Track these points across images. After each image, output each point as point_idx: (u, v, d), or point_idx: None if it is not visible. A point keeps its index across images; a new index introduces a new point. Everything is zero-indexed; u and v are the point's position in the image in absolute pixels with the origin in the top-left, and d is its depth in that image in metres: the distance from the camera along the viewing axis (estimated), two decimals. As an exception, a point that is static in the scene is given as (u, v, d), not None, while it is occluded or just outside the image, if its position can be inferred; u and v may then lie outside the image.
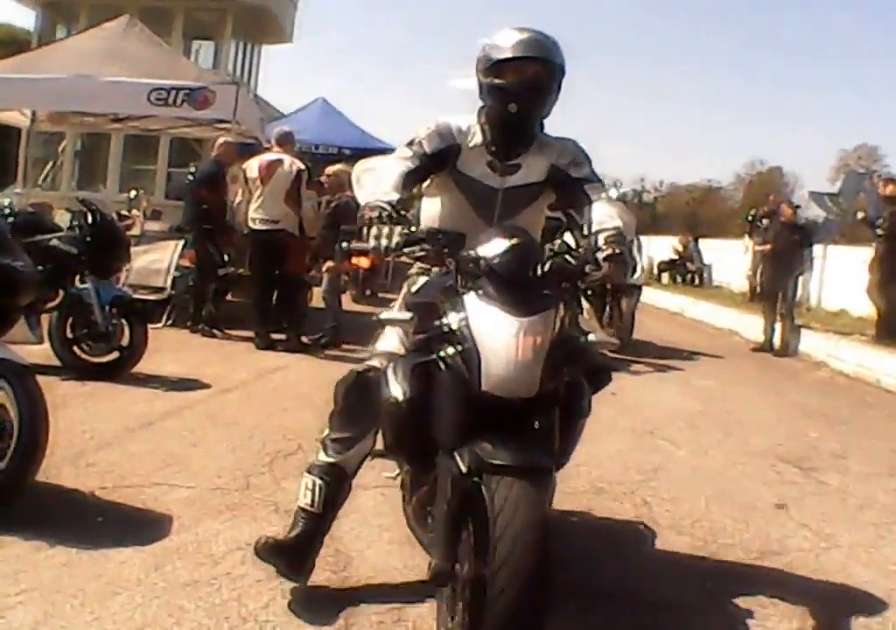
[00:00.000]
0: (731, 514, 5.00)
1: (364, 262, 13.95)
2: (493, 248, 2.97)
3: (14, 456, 3.99)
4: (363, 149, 19.69)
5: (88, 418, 5.86)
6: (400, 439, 3.14)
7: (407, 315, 3.25)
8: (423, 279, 3.56)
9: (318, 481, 3.47)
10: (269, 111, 23.11)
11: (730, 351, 13.17)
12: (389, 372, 3.08)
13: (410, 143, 3.55)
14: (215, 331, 10.08)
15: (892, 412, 9.11)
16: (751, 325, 14.35)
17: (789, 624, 3.65)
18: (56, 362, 7.04)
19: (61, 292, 7.20)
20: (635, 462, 5.99)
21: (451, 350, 2.89)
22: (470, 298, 2.91)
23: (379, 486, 4.39)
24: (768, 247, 13.64)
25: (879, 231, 12.25)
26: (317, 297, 10.97)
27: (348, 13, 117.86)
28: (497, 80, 3.44)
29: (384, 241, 3.01)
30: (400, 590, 3.59)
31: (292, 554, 3.45)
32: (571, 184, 3.62)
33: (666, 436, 6.86)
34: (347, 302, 12.06)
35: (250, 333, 9.77)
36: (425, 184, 3.71)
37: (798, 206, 14.46)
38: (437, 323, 2.97)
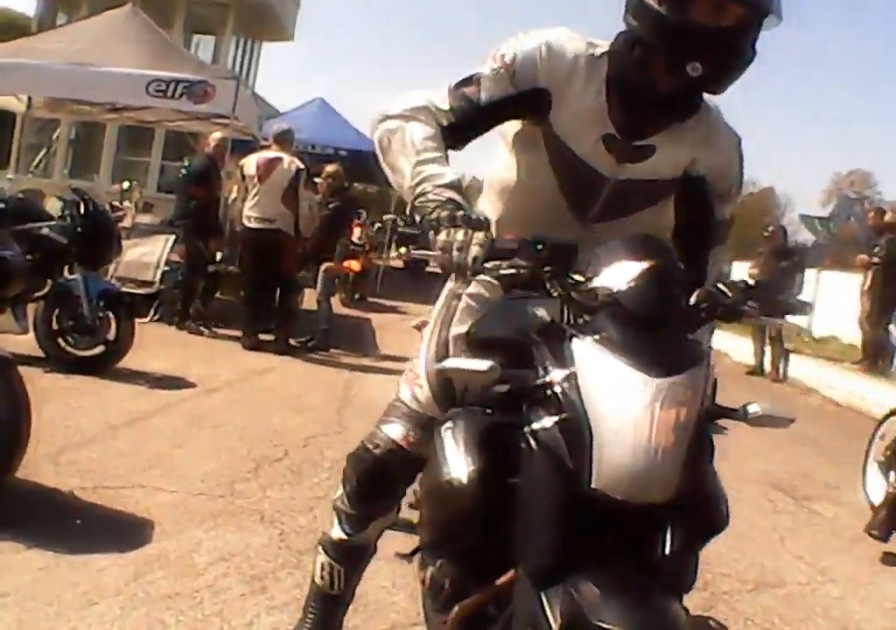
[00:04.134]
0: (726, 542, 4.87)
1: (355, 266, 13.90)
2: (618, 270, 1.95)
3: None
4: (359, 151, 19.62)
5: (71, 413, 5.71)
6: (455, 536, 2.14)
7: (484, 365, 1.96)
8: (474, 302, 2.57)
9: (337, 566, 2.84)
10: (267, 109, 23.00)
11: (721, 374, 13.05)
12: (447, 436, 2.12)
13: (464, 83, 2.36)
14: (203, 328, 9.95)
15: (882, 442, 9.03)
16: (740, 347, 14.23)
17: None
18: (40, 353, 6.89)
19: (49, 282, 7.05)
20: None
21: (547, 421, 1.87)
22: (581, 345, 1.87)
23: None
24: (756, 271, 13.56)
25: (875, 259, 12.22)
26: (308, 299, 10.86)
27: (350, 13, 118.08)
28: (678, 16, 2.15)
29: (457, 253, 1.97)
30: (388, 609, 3.46)
31: None
32: (705, 219, 2.52)
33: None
34: (336, 305, 11.92)
35: (237, 332, 9.65)
36: (510, 133, 2.52)
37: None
38: (528, 374, 1.97)
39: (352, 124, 22.79)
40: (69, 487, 4.36)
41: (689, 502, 1.87)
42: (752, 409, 1.97)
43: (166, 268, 10.36)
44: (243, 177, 9.52)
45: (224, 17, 26.00)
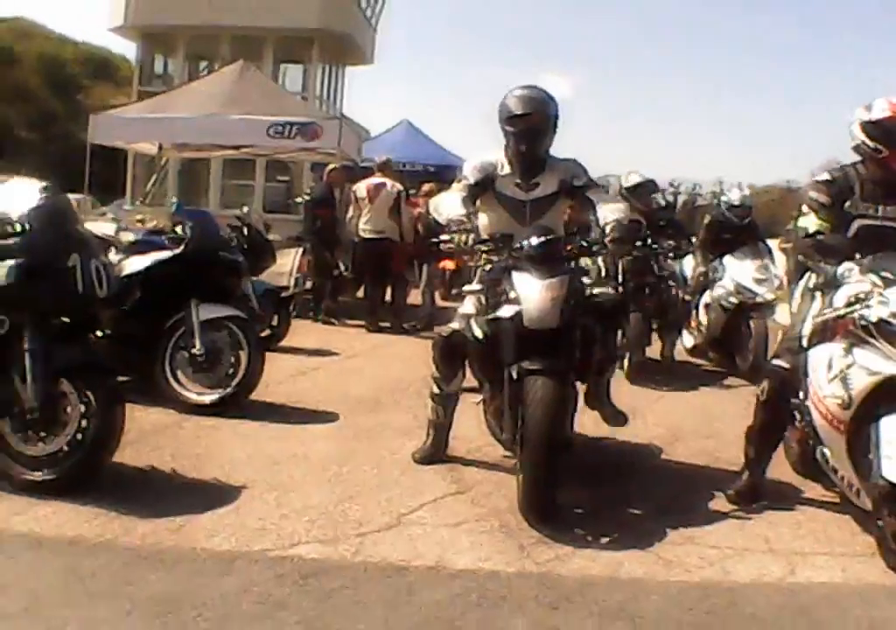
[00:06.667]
0: (698, 420, 7.32)
1: (450, 265, 16.26)
2: (531, 241, 4.89)
3: (241, 380, 6.61)
4: (445, 165, 21.75)
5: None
6: (482, 364, 5.06)
7: (478, 286, 5.22)
8: (489, 266, 5.25)
9: (438, 407, 5.54)
10: (357, 130, 24.88)
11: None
12: (473, 322, 4.97)
13: (460, 180, 5.38)
14: (333, 320, 12.35)
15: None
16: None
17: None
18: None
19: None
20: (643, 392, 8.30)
21: (508, 309, 4.71)
22: (516, 274, 4.82)
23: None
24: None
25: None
26: (413, 295, 13.32)
27: (421, 35, 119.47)
28: (510, 129, 5.15)
29: (462, 245, 4.98)
30: (473, 439, 5.90)
31: (436, 447, 5.63)
32: (577, 191, 5.35)
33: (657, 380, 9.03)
34: (436, 299, 14.08)
35: (359, 323, 12.11)
36: (478, 203, 5.38)
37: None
38: (500, 289, 4.85)
39: (435, 141, 24.89)
40: (280, 402, 7.11)
41: (570, 328, 4.77)
42: (597, 290, 5.14)
43: (297, 275, 12.69)
44: (357, 199, 12.14)
45: (309, 46, 28.07)
